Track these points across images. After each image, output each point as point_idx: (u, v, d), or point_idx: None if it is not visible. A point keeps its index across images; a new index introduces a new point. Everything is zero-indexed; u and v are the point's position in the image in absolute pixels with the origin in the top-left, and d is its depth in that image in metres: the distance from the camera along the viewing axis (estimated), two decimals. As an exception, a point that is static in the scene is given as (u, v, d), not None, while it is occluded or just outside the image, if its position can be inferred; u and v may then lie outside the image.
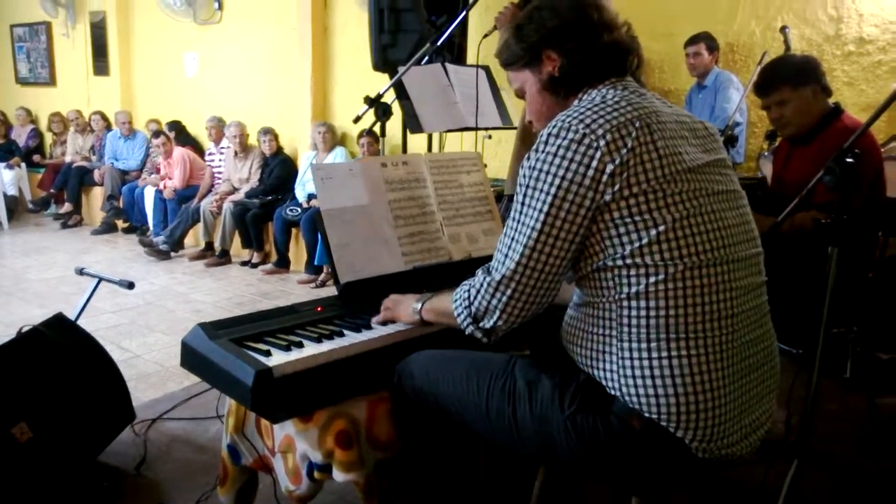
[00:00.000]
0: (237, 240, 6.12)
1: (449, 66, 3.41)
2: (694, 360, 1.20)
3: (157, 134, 6.93)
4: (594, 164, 1.20)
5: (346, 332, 1.62)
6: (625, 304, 1.22)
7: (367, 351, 1.58)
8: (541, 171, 1.23)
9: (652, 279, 1.19)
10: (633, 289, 1.21)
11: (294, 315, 1.73)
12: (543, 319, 1.42)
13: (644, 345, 1.21)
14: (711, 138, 1.38)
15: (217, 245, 6.16)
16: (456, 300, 1.37)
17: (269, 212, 5.92)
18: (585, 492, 1.83)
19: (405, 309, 1.57)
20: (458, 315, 1.35)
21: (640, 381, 1.21)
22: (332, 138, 5.98)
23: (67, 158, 8.04)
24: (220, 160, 6.69)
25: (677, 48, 4.66)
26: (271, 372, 1.40)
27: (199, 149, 7.15)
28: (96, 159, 7.91)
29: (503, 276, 1.27)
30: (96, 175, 7.49)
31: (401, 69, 2.97)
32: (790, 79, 2.69)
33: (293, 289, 5.36)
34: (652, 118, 1.24)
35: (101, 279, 2.63)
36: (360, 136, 5.61)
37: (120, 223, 7.29)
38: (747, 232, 1.33)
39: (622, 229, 1.21)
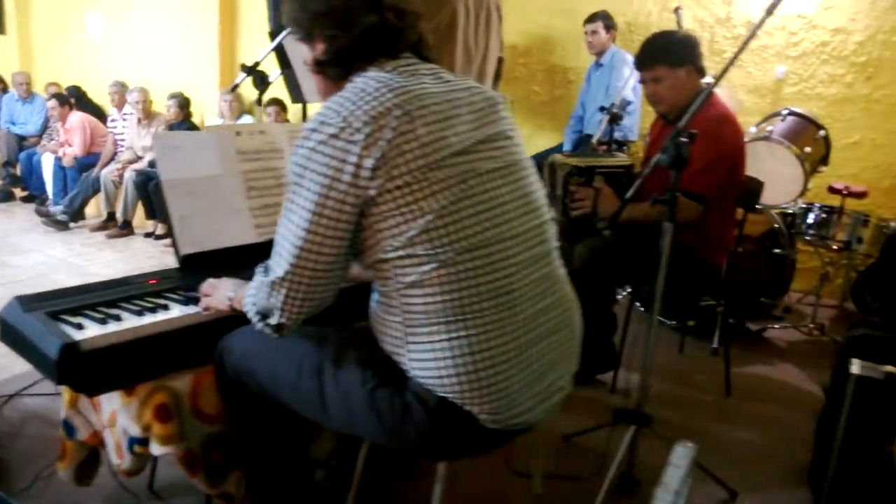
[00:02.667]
0: (140, 210, 5.93)
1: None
2: (474, 339, 1.23)
3: (55, 97, 6.62)
4: (352, 158, 1.18)
5: (172, 305, 1.60)
6: (405, 292, 1.23)
7: (191, 325, 1.56)
8: (304, 167, 1.22)
9: (426, 268, 1.20)
10: (410, 278, 1.22)
11: (124, 288, 1.69)
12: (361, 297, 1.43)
13: (426, 329, 1.23)
14: (492, 109, 1.35)
15: (119, 216, 5.95)
16: (247, 297, 1.36)
17: (173, 182, 5.74)
18: (411, 460, 1.87)
19: (220, 297, 1.53)
20: (248, 312, 1.34)
21: (429, 364, 1.24)
22: (240, 106, 5.84)
23: (-40, 121, 7.61)
24: (123, 127, 6.45)
25: (578, 26, 4.71)
26: (78, 346, 1.37)
27: (101, 115, 6.87)
28: (-8, 123, 7.52)
29: (277, 276, 1.26)
30: (-8, 140, 7.13)
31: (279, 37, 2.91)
32: (668, 57, 2.74)
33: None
34: (414, 104, 1.23)
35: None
36: (264, 104, 5.49)
37: (18, 192, 6.97)
38: (527, 204, 1.33)
39: (391, 221, 1.20)
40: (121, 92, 6.40)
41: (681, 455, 1.08)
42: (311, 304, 1.28)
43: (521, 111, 5.43)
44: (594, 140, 3.70)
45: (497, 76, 3.03)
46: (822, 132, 3.55)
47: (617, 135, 4.35)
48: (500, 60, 3.02)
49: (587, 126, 4.63)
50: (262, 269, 1.35)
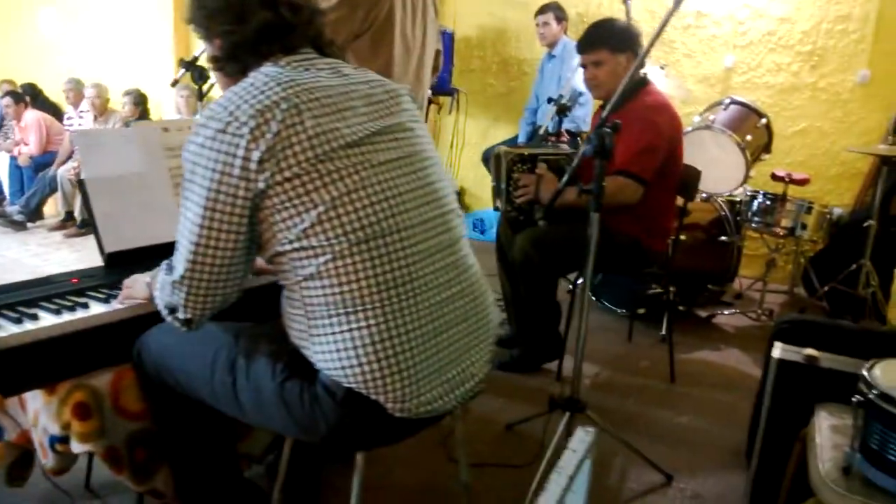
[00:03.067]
0: (98, 209, 5.84)
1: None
2: (374, 329, 1.24)
3: (9, 95, 6.50)
4: (240, 152, 1.19)
5: (92, 303, 1.59)
6: (304, 285, 1.24)
7: (111, 323, 1.55)
8: (194, 164, 1.22)
9: (321, 259, 1.22)
10: (307, 270, 1.23)
11: (45, 287, 1.68)
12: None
13: (327, 321, 1.25)
14: (392, 101, 1.38)
15: (77, 215, 5.87)
16: (155, 293, 1.36)
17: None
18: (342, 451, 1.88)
19: (139, 286, 1.54)
20: (158, 306, 1.35)
21: (333, 356, 1.25)
22: (195, 102, 5.78)
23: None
24: (79, 125, 6.36)
25: (532, 17, 4.73)
26: (-12, 346, 1.36)
27: (58, 113, 6.76)
28: (-54, 123, 7.36)
29: (179, 274, 1.27)
30: (-55, 140, 6.98)
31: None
32: (610, 42, 2.77)
33: (153, 259, 5.19)
34: (303, 97, 1.24)
35: None
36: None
37: (-27, 192, 6.84)
38: (428, 194, 1.35)
39: (284, 214, 1.21)
40: (76, 89, 6.32)
41: (579, 439, 1.10)
42: (214, 299, 1.28)
43: (477, 104, 5.45)
44: (541, 132, 3.73)
45: (435, 68, 3.04)
46: (763, 120, 3.61)
47: (570, 126, 4.39)
48: (438, 53, 3.03)
49: (541, 118, 4.66)
50: (165, 266, 1.35)
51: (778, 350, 1.82)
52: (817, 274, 4.08)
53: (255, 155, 1.19)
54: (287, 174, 1.20)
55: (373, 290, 1.24)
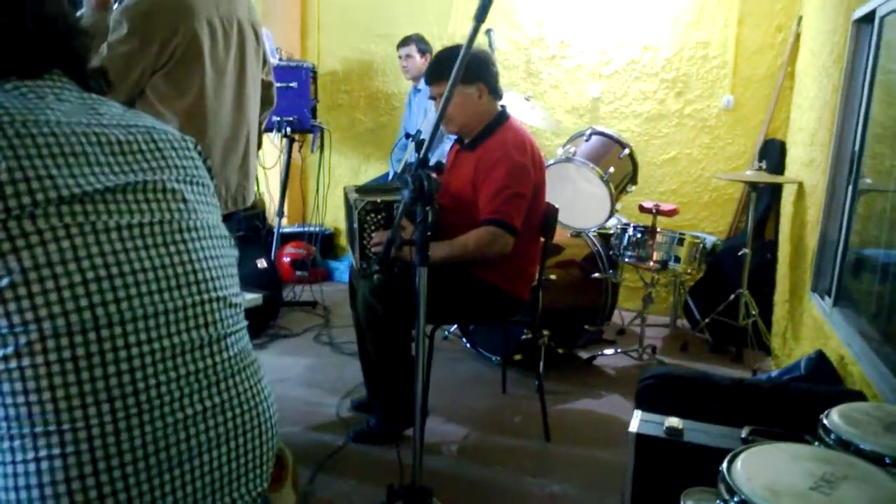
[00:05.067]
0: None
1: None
2: (73, 459, 0.87)
3: None
4: None
5: None
6: None
7: None
8: None
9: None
10: None
11: None
12: None
13: (6, 444, 0.86)
14: (157, 153, 1.05)
15: None
16: None
17: None
18: None
19: None
20: None
21: (9, 495, 0.86)
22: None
23: None
24: None
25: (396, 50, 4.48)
26: None
27: None
28: None
29: None
30: None
31: None
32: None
33: None
34: (7, 130, 0.90)
35: None
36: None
37: None
38: (183, 275, 1.01)
39: None
40: None
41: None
42: None
43: (346, 140, 5.13)
44: (398, 169, 3.44)
45: (267, 101, 2.70)
46: (626, 150, 3.44)
47: (437, 161, 4.14)
48: (269, 84, 2.69)
49: (410, 154, 4.39)
50: None
51: (636, 422, 1.55)
52: (698, 305, 3.96)
53: None
54: None
55: (73, 402, 0.86)
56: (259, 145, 2.90)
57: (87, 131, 0.98)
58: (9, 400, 0.85)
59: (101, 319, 0.90)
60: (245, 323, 1.13)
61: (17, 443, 0.86)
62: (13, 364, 0.85)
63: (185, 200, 1.05)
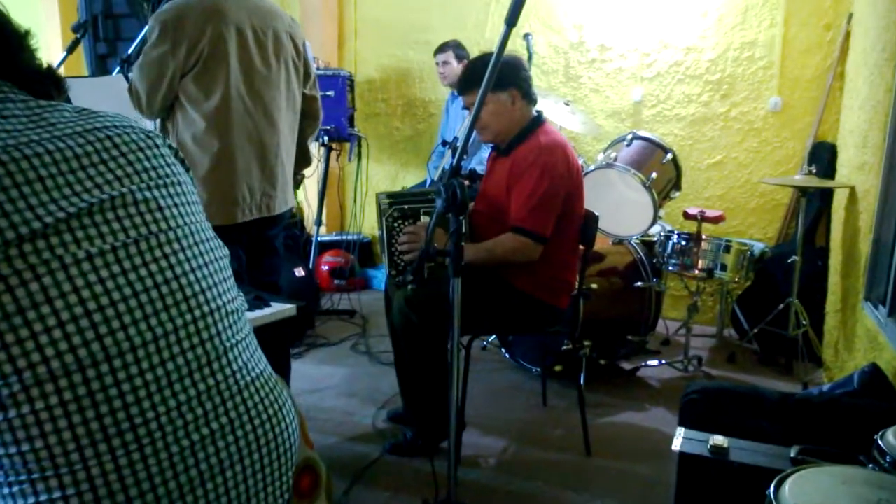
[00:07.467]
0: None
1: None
2: (75, 501, 0.83)
3: None
4: None
5: None
6: None
7: None
8: None
9: None
10: None
11: None
12: None
13: (5, 490, 0.84)
14: (112, 163, 0.97)
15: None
16: None
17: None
18: None
19: None
20: None
21: None
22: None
23: None
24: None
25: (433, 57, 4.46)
26: None
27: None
28: None
29: None
30: None
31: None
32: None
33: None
34: None
35: None
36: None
37: None
38: (172, 294, 0.95)
39: None
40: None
41: None
42: None
43: (384, 148, 5.13)
44: (435, 176, 3.41)
45: (312, 115, 2.70)
46: (669, 155, 3.33)
47: (470, 168, 4.10)
48: (313, 99, 2.69)
49: (447, 161, 4.35)
50: None
51: (679, 440, 1.47)
52: (746, 314, 3.83)
53: None
54: None
55: (68, 447, 0.83)
56: (308, 162, 2.90)
57: (39, 150, 0.90)
58: (1, 451, 0.82)
59: (85, 360, 0.84)
60: (249, 328, 1.08)
61: (16, 489, 0.82)
62: (4, 417, 0.82)
63: (160, 209, 0.98)
